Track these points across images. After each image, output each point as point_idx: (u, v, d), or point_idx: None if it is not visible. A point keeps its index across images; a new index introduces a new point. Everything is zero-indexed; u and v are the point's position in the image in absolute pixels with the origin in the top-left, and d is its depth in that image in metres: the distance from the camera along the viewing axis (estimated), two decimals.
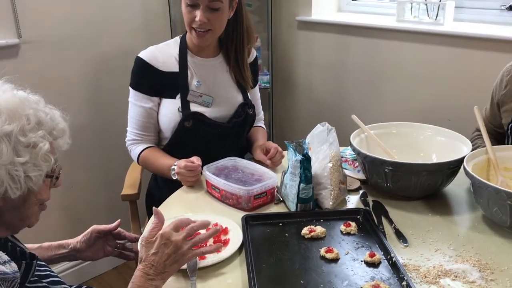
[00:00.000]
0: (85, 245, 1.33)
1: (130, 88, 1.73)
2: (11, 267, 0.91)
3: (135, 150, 1.76)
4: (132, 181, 1.90)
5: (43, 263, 1.13)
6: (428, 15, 2.33)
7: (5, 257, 0.92)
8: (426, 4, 2.32)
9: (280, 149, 1.71)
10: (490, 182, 1.25)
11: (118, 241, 1.39)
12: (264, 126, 2.01)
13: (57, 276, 1.12)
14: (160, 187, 1.87)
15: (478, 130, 1.66)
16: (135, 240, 1.39)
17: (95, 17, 2.34)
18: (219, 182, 1.49)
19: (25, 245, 1.27)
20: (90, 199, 2.53)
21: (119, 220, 1.42)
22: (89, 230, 1.34)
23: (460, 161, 1.38)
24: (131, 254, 1.42)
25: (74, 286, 1.29)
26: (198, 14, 1.59)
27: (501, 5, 2.21)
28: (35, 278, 1.05)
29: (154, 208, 1.18)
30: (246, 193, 1.42)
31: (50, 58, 2.21)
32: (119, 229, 1.39)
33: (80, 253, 1.33)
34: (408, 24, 2.36)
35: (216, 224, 1.32)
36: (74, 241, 1.33)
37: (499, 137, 1.66)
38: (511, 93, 1.58)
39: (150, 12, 2.53)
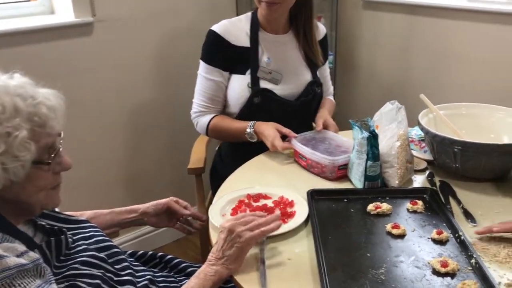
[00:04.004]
0: (153, 212, 1.39)
1: (201, 61, 1.77)
2: (29, 257, 0.90)
3: (202, 119, 1.80)
4: (198, 155, 1.96)
5: (87, 225, 1.16)
6: None
7: (22, 248, 0.91)
8: None
9: (337, 129, 1.72)
10: None
11: (183, 214, 1.43)
12: (333, 99, 2.01)
13: (102, 235, 1.15)
14: (224, 162, 1.93)
15: None
16: (199, 217, 1.45)
17: None
18: (306, 151, 1.53)
19: (95, 211, 1.34)
20: (157, 172, 2.62)
21: (195, 209, 1.44)
22: (164, 201, 1.40)
23: None
24: (191, 229, 1.47)
25: (130, 251, 1.36)
26: None
27: None
28: (73, 249, 1.05)
29: None
30: (331, 164, 1.46)
31: (122, 36, 2.30)
32: (186, 204, 1.44)
33: (148, 217, 1.40)
34: (480, 3, 2.28)
35: (281, 198, 1.36)
36: (144, 206, 1.40)
37: None
38: None
39: None
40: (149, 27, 2.38)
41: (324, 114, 1.79)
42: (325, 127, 1.73)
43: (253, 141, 1.69)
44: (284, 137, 1.64)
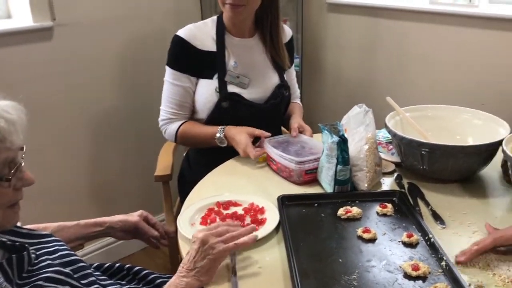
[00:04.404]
0: (121, 228, 1.35)
1: (167, 67, 1.74)
2: None
3: (171, 127, 1.77)
4: (164, 162, 1.92)
5: (51, 239, 1.11)
6: None
7: None
8: None
9: (312, 133, 1.72)
10: None
11: (152, 236, 1.38)
12: (300, 103, 2.01)
13: (67, 249, 1.11)
14: (192, 168, 1.90)
15: None
16: (168, 234, 1.41)
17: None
18: (275, 154, 1.52)
19: (59, 223, 1.29)
20: (122, 180, 2.57)
21: (163, 223, 1.40)
22: (133, 220, 1.35)
23: (498, 144, 1.37)
24: (159, 246, 1.42)
25: (96, 264, 1.32)
26: None
27: None
28: (36, 265, 1.01)
29: None
30: (297, 167, 1.45)
31: (83, 40, 2.24)
32: (156, 221, 1.40)
33: (114, 232, 1.36)
34: (441, 6, 2.32)
35: (252, 205, 1.34)
36: (111, 221, 1.35)
37: None
38: None
39: None
40: (113, 31, 2.33)
41: (298, 120, 1.79)
42: (301, 131, 1.72)
43: (223, 146, 1.67)
44: (255, 141, 1.63)
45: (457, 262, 1.09)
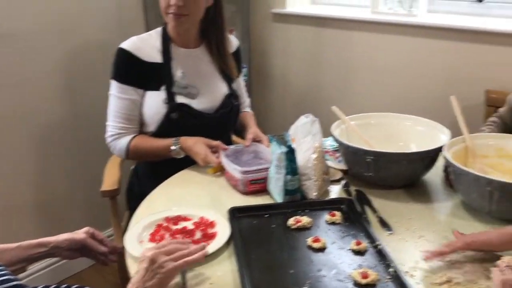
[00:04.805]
0: (67, 247, 1.30)
1: (112, 81, 1.70)
2: None
3: (121, 142, 1.72)
4: (111, 176, 1.87)
5: None
6: (402, 7, 2.37)
7: None
8: None
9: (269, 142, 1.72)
10: (470, 169, 1.28)
11: (100, 252, 1.33)
12: (251, 112, 2.02)
13: (7, 274, 1.04)
14: (141, 182, 1.86)
15: (494, 116, 1.77)
16: (116, 250, 1.37)
17: (67, 10, 2.28)
18: (226, 162, 1.53)
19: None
20: (68, 196, 2.49)
21: (111, 239, 1.36)
22: (79, 238, 1.29)
23: (439, 150, 1.42)
24: (107, 262, 1.38)
25: (41, 286, 1.26)
26: None
27: None
28: None
29: None
30: (243, 176, 1.45)
31: (24, 52, 2.16)
32: (103, 237, 1.36)
33: (60, 251, 1.31)
34: (382, 15, 2.40)
35: (202, 219, 1.32)
36: (56, 240, 1.30)
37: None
38: None
39: (123, 3, 2.49)
40: (54, 43, 2.26)
41: (255, 130, 1.79)
42: (258, 141, 1.72)
43: (179, 157, 1.65)
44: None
45: (426, 258, 1.13)
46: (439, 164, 1.50)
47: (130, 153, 1.73)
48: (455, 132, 1.49)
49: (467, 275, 1.07)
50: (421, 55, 2.27)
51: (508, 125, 1.73)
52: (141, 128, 1.76)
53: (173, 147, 1.64)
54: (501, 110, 1.77)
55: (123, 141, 1.72)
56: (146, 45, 1.70)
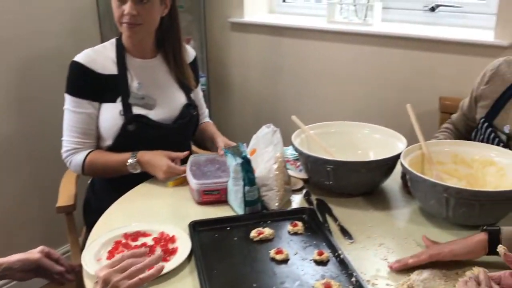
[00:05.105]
0: (20, 268, 1.24)
1: (67, 95, 1.65)
2: None
3: (77, 158, 1.67)
4: (67, 192, 1.81)
5: None
6: (357, 16, 2.41)
7: None
8: (355, 5, 2.40)
9: None
10: (426, 176, 1.31)
11: (56, 271, 1.28)
12: (211, 121, 1.99)
13: None
14: (98, 197, 1.81)
15: (447, 123, 1.82)
16: (73, 268, 1.32)
17: (17, 16, 2.21)
18: (187, 171, 1.52)
19: None
20: (21, 213, 2.39)
21: (68, 257, 1.31)
22: (33, 258, 1.24)
23: (396, 157, 1.44)
24: (64, 282, 1.33)
25: None
26: (127, 7, 1.57)
27: (423, 6, 2.33)
28: None
29: None
30: (197, 186, 1.45)
31: None
32: (59, 256, 1.31)
33: (13, 273, 1.25)
34: (338, 25, 2.44)
35: (162, 234, 1.29)
36: (8, 261, 1.24)
37: (466, 130, 1.76)
38: (491, 90, 1.64)
39: (77, 11, 2.43)
40: (4, 52, 2.17)
41: (223, 139, 1.76)
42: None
43: (136, 172, 1.61)
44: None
45: (390, 267, 1.15)
46: (397, 171, 1.52)
47: (86, 169, 1.68)
48: (412, 139, 1.52)
49: (427, 282, 1.09)
50: (376, 63, 2.31)
51: (460, 131, 1.78)
52: (98, 143, 1.71)
53: (130, 160, 1.60)
54: (454, 116, 1.82)
55: (79, 157, 1.67)
56: (100, 57, 1.66)
